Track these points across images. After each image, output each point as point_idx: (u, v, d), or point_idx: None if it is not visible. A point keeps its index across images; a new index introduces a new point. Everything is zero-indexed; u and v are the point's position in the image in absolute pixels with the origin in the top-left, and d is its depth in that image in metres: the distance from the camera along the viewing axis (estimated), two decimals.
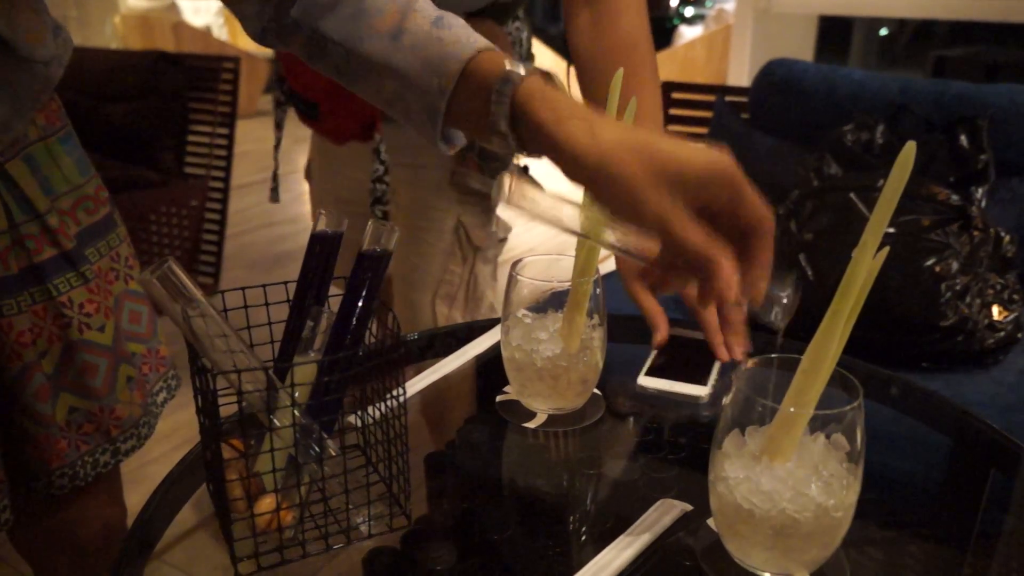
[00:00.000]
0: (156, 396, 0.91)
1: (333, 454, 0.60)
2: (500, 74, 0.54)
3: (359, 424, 0.64)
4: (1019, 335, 1.36)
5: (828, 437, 0.56)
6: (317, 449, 0.60)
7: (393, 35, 0.57)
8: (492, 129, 0.55)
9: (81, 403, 0.81)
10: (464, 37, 0.57)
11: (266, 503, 0.59)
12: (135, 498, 0.71)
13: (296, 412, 0.59)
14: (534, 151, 0.55)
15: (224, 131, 2.73)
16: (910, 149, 0.50)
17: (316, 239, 0.63)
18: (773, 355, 0.57)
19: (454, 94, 0.56)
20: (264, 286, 0.64)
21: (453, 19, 0.59)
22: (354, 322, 0.61)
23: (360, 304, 0.61)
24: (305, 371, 0.61)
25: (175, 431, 2.02)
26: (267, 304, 0.65)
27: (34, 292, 0.76)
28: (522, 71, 0.54)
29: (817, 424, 0.56)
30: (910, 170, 0.50)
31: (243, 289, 0.65)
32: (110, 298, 0.84)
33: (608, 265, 0.88)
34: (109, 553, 0.91)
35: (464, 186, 1.17)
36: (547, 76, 0.56)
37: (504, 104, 0.54)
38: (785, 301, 0.54)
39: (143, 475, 1.85)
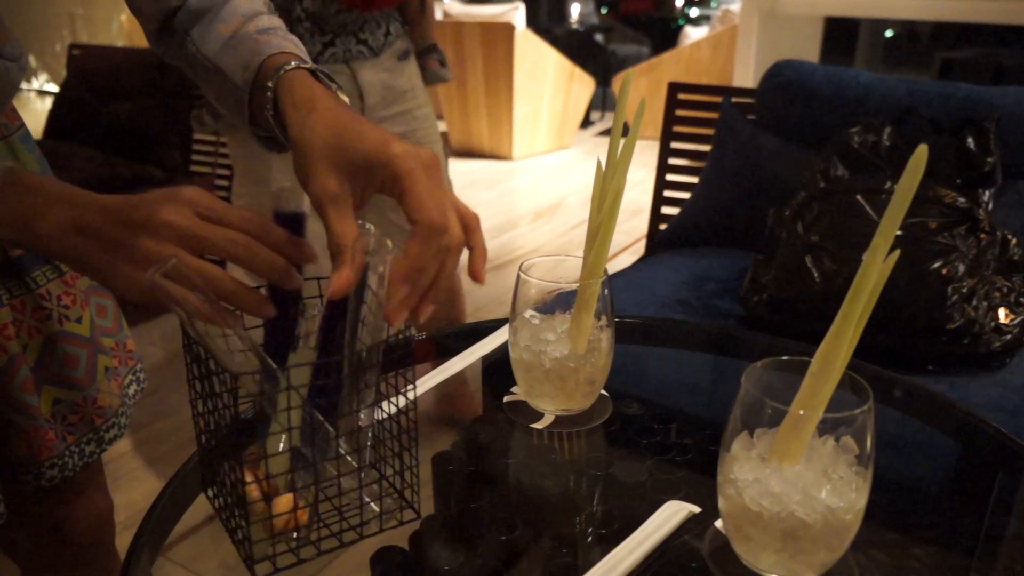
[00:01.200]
0: (127, 388, 0.92)
1: (344, 452, 0.60)
2: (275, 67, 0.61)
3: (369, 421, 0.64)
4: None
5: (838, 440, 0.56)
6: (328, 447, 0.60)
7: (227, 39, 0.66)
8: (267, 120, 0.62)
9: (65, 394, 0.81)
10: (276, 42, 0.64)
11: (282, 504, 0.59)
12: (138, 495, 0.71)
13: (311, 411, 0.59)
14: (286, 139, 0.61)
15: None
16: (922, 152, 0.50)
17: (280, 220, 0.63)
18: (784, 357, 0.57)
19: (252, 89, 0.63)
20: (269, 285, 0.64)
21: (282, 32, 0.67)
22: (348, 317, 0.61)
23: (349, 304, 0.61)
24: (310, 370, 0.61)
25: (178, 430, 2.03)
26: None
27: (11, 286, 0.77)
28: (293, 64, 0.61)
29: (827, 427, 0.56)
30: (922, 173, 0.50)
31: (261, 287, 0.65)
32: (79, 293, 0.85)
33: (616, 264, 0.88)
34: (98, 544, 0.92)
35: None
36: (316, 73, 0.62)
37: (269, 91, 0.61)
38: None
39: (144, 474, 1.86)
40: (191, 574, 1.24)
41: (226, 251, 0.54)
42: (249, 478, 0.58)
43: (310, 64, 0.62)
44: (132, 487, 1.73)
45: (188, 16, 0.69)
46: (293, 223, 0.61)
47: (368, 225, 0.59)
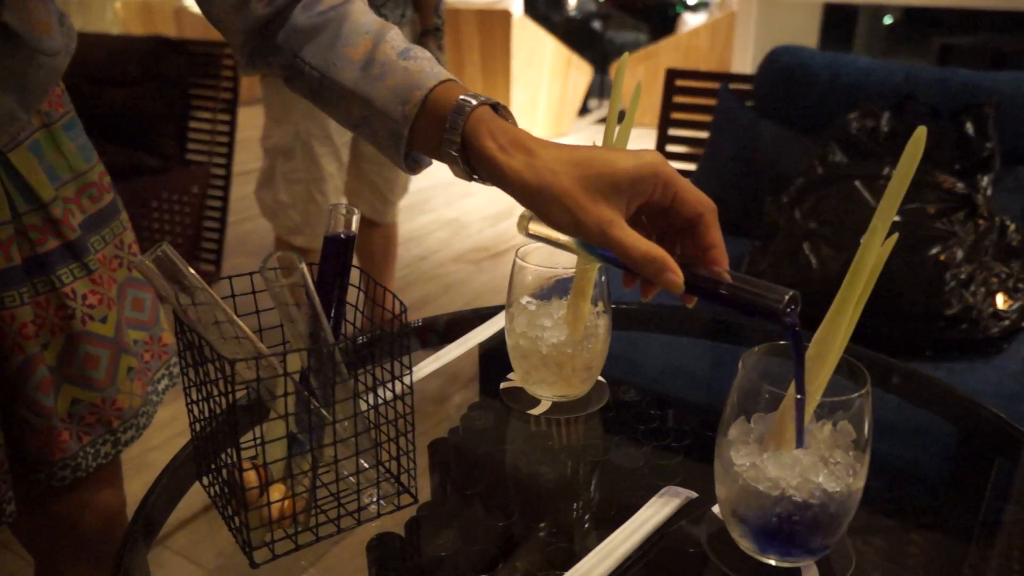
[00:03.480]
0: (158, 384, 0.91)
1: (341, 438, 0.60)
2: (454, 104, 0.58)
3: (366, 407, 0.64)
4: (1023, 324, 1.36)
5: (835, 425, 0.56)
6: (324, 434, 0.59)
7: (364, 64, 0.61)
8: (445, 155, 0.59)
9: (83, 395, 0.81)
10: (428, 68, 0.61)
11: (278, 491, 0.59)
12: (136, 486, 0.71)
13: (310, 399, 0.59)
14: (483, 176, 0.59)
15: (225, 117, 2.71)
16: (921, 133, 0.49)
17: (331, 241, 0.63)
18: (782, 342, 0.57)
19: (415, 121, 0.60)
20: (274, 269, 0.63)
21: (419, 51, 0.63)
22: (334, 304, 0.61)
23: (335, 291, 0.61)
24: (302, 357, 0.60)
25: (175, 418, 2.02)
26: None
27: (37, 283, 0.76)
28: (474, 101, 0.58)
29: (824, 412, 0.56)
30: (921, 155, 0.50)
31: (251, 274, 0.65)
32: (113, 287, 0.84)
33: None
34: (110, 542, 0.91)
35: None
36: (496, 107, 0.60)
37: (456, 133, 0.58)
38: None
39: (145, 462, 1.86)
40: (189, 563, 1.24)
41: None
42: (246, 465, 0.58)
43: (484, 99, 0.59)
44: (131, 477, 1.73)
45: (295, 35, 0.63)
46: (343, 244, 0.62)
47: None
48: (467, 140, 0.58)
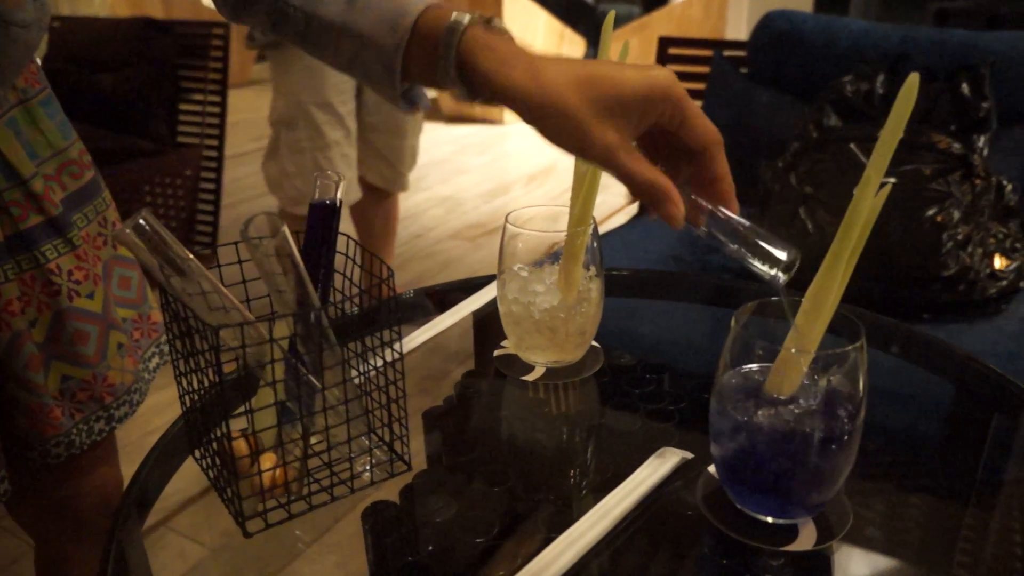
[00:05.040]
0: (148, 362, 0.90)
1: (331, 404, 0.59)
2: (446, 26, 0.55)
3: (357, 374, 0.63)
4: (1021, 284, 1.35)
5: (830, 381, 0.55)
6: (314, 401, 0.59)
7: None
8: (444, 81, 0.57)
9: (74, 371, 0.80)
10: None
11: (269, 460, 0.58)
12: (136, 467, 0.70)
13: (294, 364, 0.58)
14: (485, 98, 0.56)
15: (216, 99, 2.69)
16: (913, 80, 0.48)
17: (316, 209, 0.62)
18: (774, 298, 0.56)
19: (408, 49, 0.57)
20: (260, 238, 0.62)
21: None
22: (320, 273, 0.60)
23: (321, 258, 0.61)
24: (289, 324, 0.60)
25: (175, 401, 2.02)
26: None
27: (21, 260, 0.75)
28: (466, 18, 0.55)
29: (819, 367, 0.55)
30: (914, 101, 0.48)
31: (235, 244, 0.64)
32: (99, 264, 0.83)
33: (607, 226, 0.86)
34: (107, 516, 0.91)
35: None
36: (489, 22, 0.57)
37: (451, 55, 0.55)
38: (784, 257, 0.53)
39: (144, 445, 1.85)
40: (191, 542, 1.24)
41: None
42: (236, 435, 0.58)
43: (478, 15, 0.56)
44: (133, 459, 1.73)
45: None
46: (328, 212, 0.61)
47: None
48: (464, 59, 0.55)
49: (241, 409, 0.61)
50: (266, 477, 0.58)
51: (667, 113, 0.53)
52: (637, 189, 0.53)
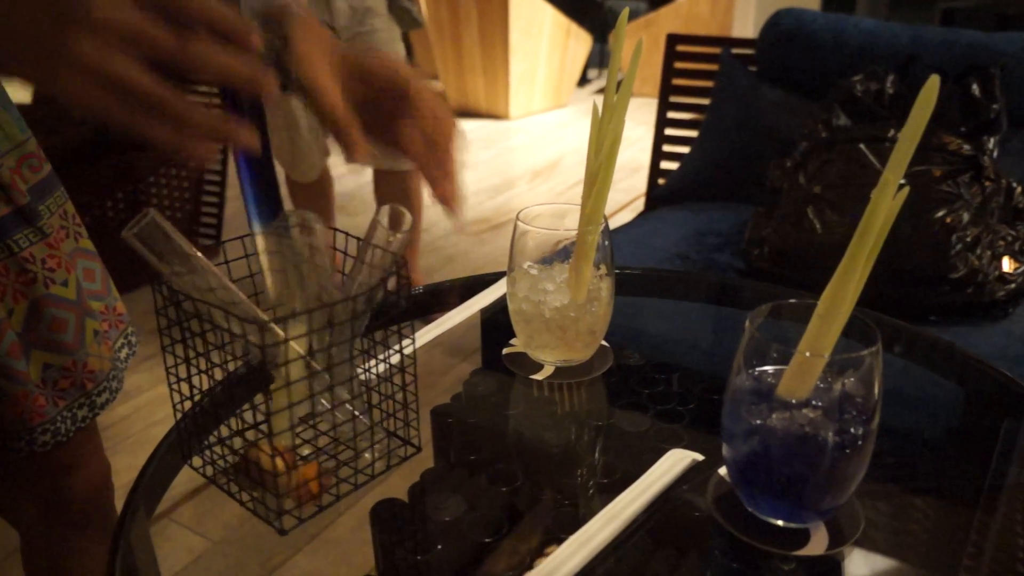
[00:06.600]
0: (119, 352, 0.90)
1: (346, 398, 0.59)
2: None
3: (366, 367, 0.63)
4: None
5: (844, 385, 0.55)
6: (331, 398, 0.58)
7: None
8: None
9: (54, 359, 0.80)
10: None
11: (311, 471, 0.58)
12: (141, 460, 0.70)
13: (314, 363, 0.58)
14: None
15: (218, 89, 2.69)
16: (933, 82, 0.48)
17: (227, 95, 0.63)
18: (790, 300, 0.56)
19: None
20: (264, 232, 0.62)
21: None
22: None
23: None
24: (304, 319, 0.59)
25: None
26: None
27: None
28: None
29: (834, 371, 0.55)
30: (934, 104, 0.48)
31: (242, 238, 0.63)
32: (64, 256, 0.83)
33: (615, 222, 0.86)
34: (98, 507, 0.91)
35: None
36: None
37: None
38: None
39: (148, 437, 1.85)
40: (196, 535, 1.24)
41: (180, 53, 0.48)
42: (265, 447, 0.56)
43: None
44: (136, 450, 1.74)
45: None
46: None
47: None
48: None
49: (255, 412, 0.60)
50: (313, 486, 0.57)
51: (387, 92, 0.59)
52: (320, 108, 0.57)
